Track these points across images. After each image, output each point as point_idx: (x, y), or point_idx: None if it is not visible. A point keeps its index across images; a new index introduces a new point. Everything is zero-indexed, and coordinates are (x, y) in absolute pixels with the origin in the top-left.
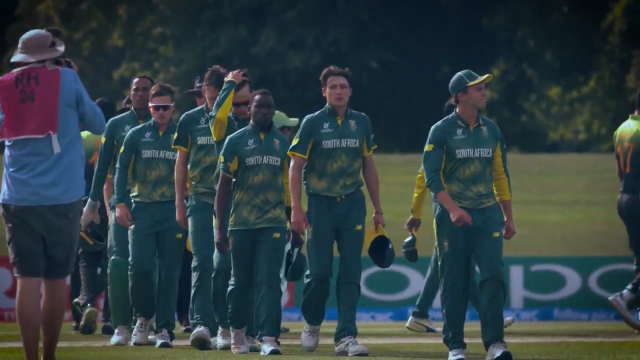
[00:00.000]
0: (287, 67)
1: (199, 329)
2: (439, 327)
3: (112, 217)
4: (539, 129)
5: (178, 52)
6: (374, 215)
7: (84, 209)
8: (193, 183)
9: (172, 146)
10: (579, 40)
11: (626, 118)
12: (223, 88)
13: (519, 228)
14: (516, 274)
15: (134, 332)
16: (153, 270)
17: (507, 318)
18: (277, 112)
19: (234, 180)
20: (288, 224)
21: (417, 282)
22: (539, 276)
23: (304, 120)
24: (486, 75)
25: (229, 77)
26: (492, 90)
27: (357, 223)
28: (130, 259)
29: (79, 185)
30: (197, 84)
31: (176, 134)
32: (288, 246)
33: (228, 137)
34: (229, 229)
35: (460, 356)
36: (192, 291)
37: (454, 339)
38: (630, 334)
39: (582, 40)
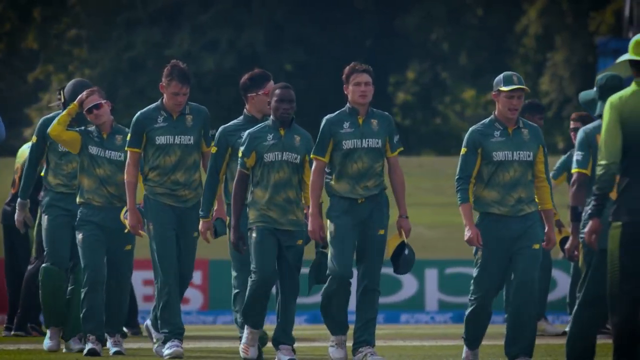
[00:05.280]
0: (201, 69)
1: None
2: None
3: (44, 220)
4: (453, 132)
5: (93, 55)
6: (398, 219)
7: (17, 210)
8: (150, 184)
9: (126, 148)
10: (493, 43)
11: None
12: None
13: (433, 230)
14: (431, 277)
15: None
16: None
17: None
18: None
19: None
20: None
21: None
22: (453, 278)
23: (323, 121)
24: (515, 86)
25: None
26: (406, 92)
27: (379, 228)
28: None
29: None
30: (58, 97)
31: (129, 135)
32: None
33: (247, 132)
34: (251, 224)
35: None
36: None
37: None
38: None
39: (497, 42)
